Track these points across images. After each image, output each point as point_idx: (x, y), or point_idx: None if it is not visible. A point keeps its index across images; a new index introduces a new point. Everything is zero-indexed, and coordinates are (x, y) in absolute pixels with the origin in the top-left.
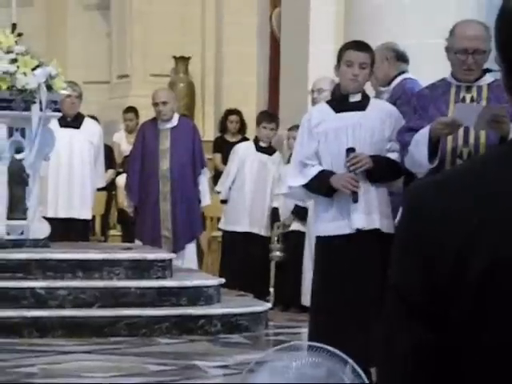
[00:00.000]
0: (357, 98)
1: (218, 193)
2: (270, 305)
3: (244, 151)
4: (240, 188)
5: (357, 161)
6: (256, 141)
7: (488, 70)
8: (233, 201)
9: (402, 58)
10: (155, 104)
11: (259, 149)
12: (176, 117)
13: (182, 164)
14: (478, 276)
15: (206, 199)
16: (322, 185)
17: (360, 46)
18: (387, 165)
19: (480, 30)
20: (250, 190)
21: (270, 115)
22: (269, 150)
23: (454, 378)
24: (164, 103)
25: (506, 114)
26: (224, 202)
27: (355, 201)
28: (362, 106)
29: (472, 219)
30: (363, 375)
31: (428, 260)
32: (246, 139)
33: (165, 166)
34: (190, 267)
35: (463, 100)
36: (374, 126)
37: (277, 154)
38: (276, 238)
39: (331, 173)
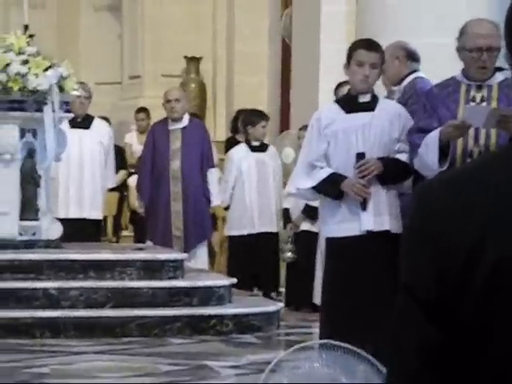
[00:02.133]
0: (366, 98)
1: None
2: (282, 304)
3: (239, 155)
4: (241, 192)
5: (366, 167)
6: (248, 141)
7: (499, 69)
8: (237, 206)
9: (412, 56)
10: (168, 101)
11: (253, 149)
12: (186, 117)
13: (193, 164)
14: (488, 274)
15: (215, 199)
16: (331, 188)
17: (371, 45)
18: (397, 167)
19: (491, 27)
20: (254, 191)
21: (261, 113)
22: (262, 148)
23: (460, 377)
24: (177, 100)
25: None
26: (226, 208)
27: (364, 208)
28: (371, 106)
29: (481, 216)
30: (382, 367)
31: (437, 258)
32: None
33: (176, 166)
34: (201, 267)
35: (473, 99)
36: (383, 127)
37: (271, 148)
38: (288, 239)
39: (341, 176)
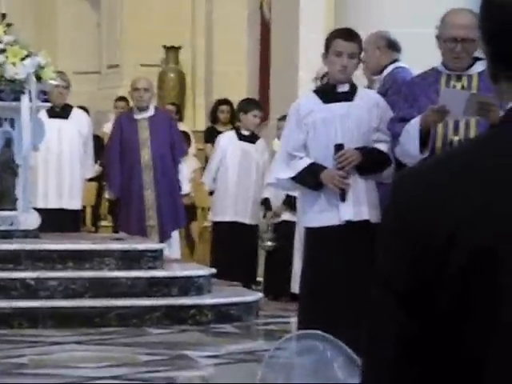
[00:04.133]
0: (345, 88)
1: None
2: (260, 294)
3: (226, 141)
4: (223, 178)
5: (345, 158)
6: (237, 129)
7: (478, 59)
8: (218, 191)
9: (393, 46)
10: (135, 89)
11: (241, 137)
12: (152, 106)
13: (163, 153)
14: (463, 265)
15: (184, 187)
16: (310, 179)
17: (349, 35)
18: (375, 157)
19: (469, 18)
20: (234, 180)
21: (256, 103)
22: (251, 138)
23: (438, 368)
24: (145, 90)
25: (495, 101)
26: (211, 193)
27: (343, 200)
28: (349, 96)
29: (456, 207)
30: (357, 359)
31: (411, 249)
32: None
33: (146, 155)
34: (174, 256)
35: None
36: (361, 117)
37: (260, 141)
38: (267, 228)
39: (320, 167)
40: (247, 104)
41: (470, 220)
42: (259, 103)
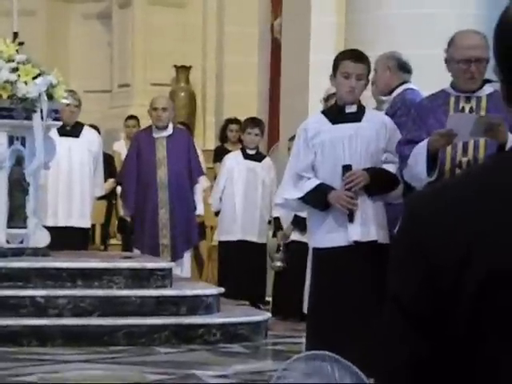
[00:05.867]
0: (353, 109)
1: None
2: (269, 314)
3: (232, 161)
4: (230, 197)
5: (353, 179)
6: (243, 149)
7: (487, 81)
8: (224, 211)
9: (404, 67)
10: (154, 109)
11: (247, 156)
12: (171, 125)
13: (179, 172)
14: (476, 287)
15: (199, 208)
16: (318, 199)
17: (357, 56)
18: (383, 177)
19: (479, 38)
20: (241, 199)
21: (253, 120)
22: (257, 157)
23: None
24: (164, 109)
25: (504, 122)
26: (217, 213)
27: (351, 220)
28: (357, 117)
29: (470, 229)
30: (366, 379)
31: (426, 270)
32: None
33: (163, 174)
34: (186, 275)
35: (462, 110)
36: (369, 138)
37: (267, 159)
38: (277, 248)
39: (328, 187)
40: (245, 123)
41: (487, 239)
42: (257, 121)
